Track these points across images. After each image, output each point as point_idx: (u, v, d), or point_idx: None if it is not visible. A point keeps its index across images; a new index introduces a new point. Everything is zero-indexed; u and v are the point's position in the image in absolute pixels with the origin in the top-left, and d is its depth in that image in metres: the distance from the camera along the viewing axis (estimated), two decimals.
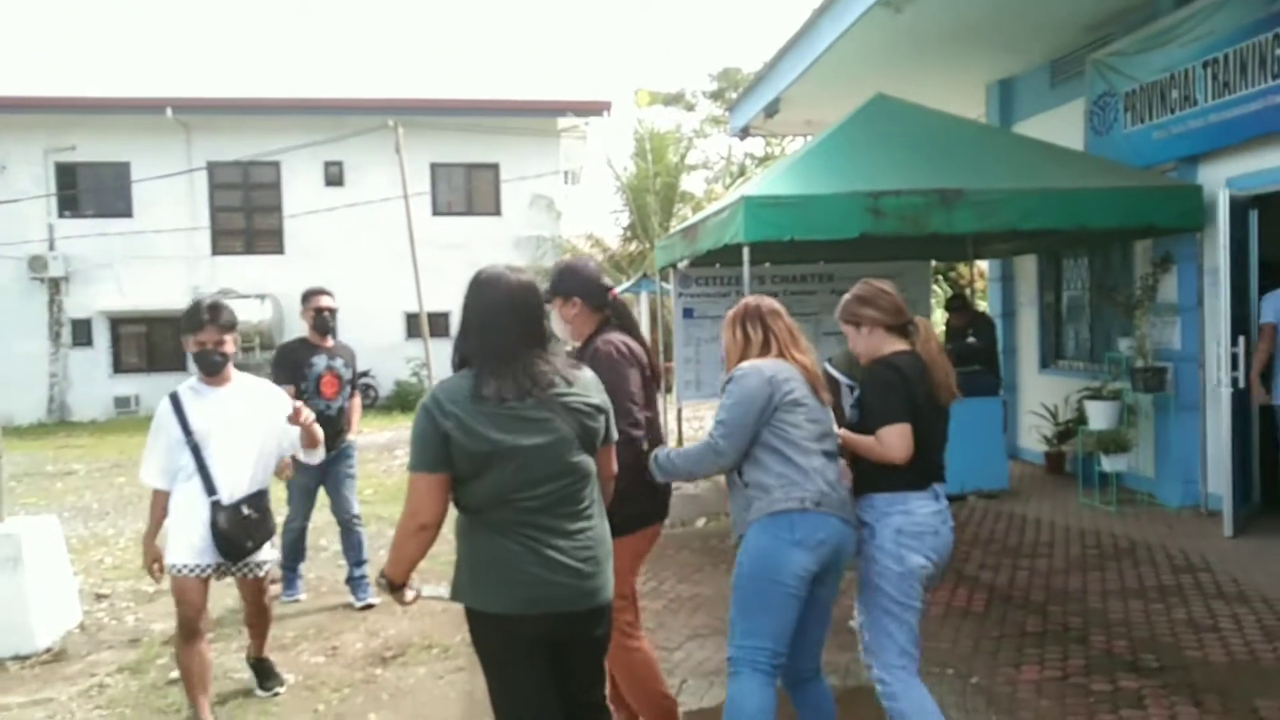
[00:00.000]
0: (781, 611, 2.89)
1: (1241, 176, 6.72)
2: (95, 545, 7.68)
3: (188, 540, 3.76)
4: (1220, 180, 6.82)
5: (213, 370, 3.85)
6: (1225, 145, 6.77)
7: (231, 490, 3.80)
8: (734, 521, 3.11)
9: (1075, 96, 8.63)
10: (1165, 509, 7.33)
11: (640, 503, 3.23)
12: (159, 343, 19.29)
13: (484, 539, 2.49)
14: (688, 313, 9.37)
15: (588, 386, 2.62)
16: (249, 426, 3.86)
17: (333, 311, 5.77)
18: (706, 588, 5.70)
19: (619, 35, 65.74)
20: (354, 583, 5.76)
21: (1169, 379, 7.37)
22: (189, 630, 3.79)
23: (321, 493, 5.77)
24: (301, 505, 5.77)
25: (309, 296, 5.77)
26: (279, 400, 3.97)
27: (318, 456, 4.13)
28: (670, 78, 44.46)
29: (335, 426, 5.58)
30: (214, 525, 3.73)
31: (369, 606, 5.62)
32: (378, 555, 6.83)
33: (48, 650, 5.04)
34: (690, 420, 12.46)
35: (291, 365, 5.61)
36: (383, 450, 12.76)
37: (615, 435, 2.75)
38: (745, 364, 3.06)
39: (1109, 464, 7.44)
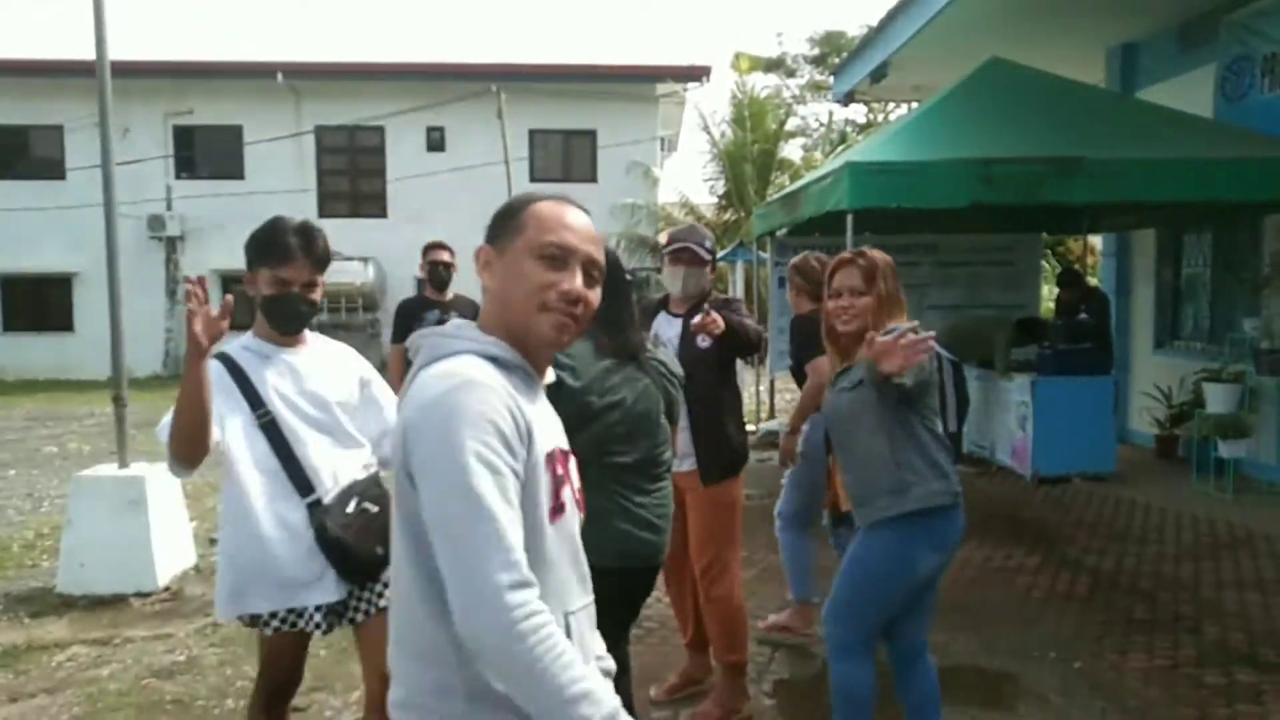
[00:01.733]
0: (897, 604, 2.88)
1: None
2: (208, 493, 8.03)
3: (275, 575, 2.51)
4: None
5: (294, 324, 2.59)
6: None
7: (333, 479, 2.56)
8: (853, 495, 2.94)
9: (1205, 62, 8.16)
10: None
11: (743, 443, 3.59)
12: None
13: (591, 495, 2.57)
14: (784, 282, 9.23)
15: (669, 357, 2.90)
16: (341, 399, 2.66)
17: (448, 265, 5.59)
18: None
19: (720, 1, 64.82)
20: None
21: None
22: (274, 698, 2.73)
23: None
24: None
25: (426, 250, 5.66)
26: (369, 374, 2.80)
27: None
28: (771, 42, 43.67)
29: None
30: (322, 536, 2.49)
31: None
32: None
33: (166, 589, 5.30)
34: (783, 392, 12.33)
35: (405, 321, 5.46)
36: None
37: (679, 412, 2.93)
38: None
39: (1227, 450, 7.09)
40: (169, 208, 19.51)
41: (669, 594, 3.89)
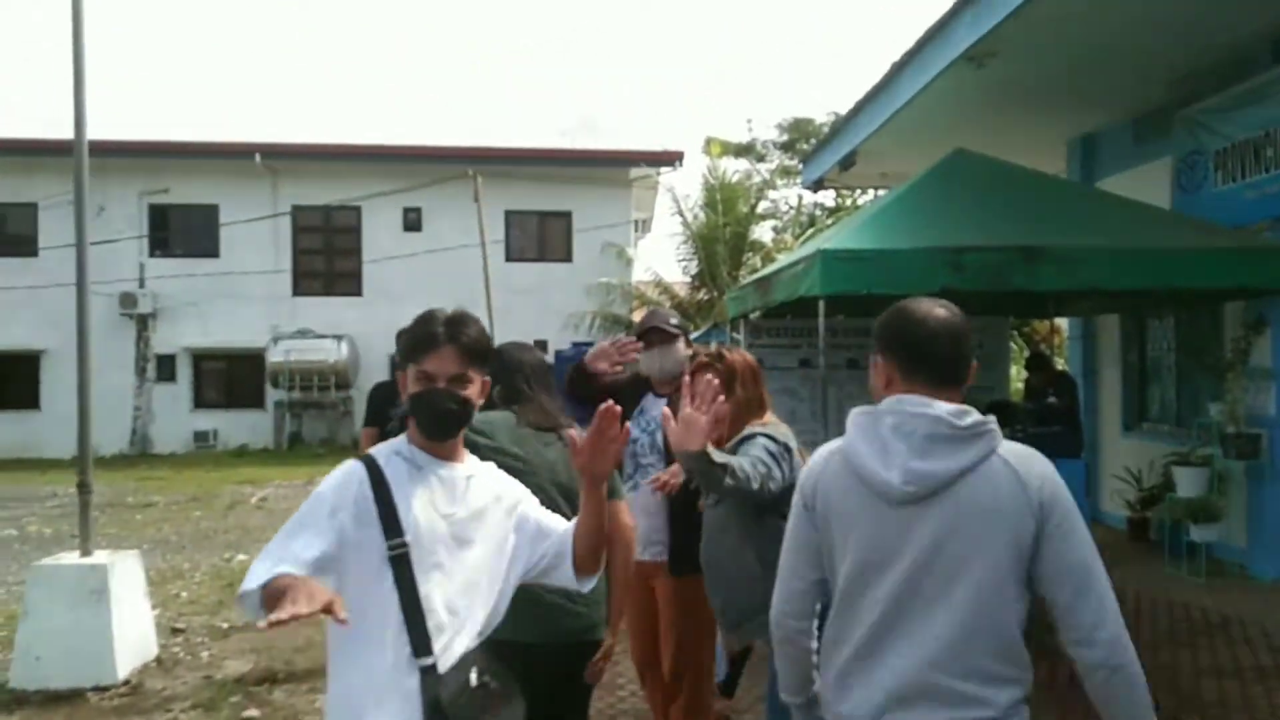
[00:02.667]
0: None
1: None
2: (172, 579, 7.85)
3: None
4: None
5: (441, 427, 2.13)
6: None
7: (451, 643, 2.05)
8: (726, 619, 3.02)
9: (1161, 154, 8.45)
10: (1259, 582, 7.00)
11: None
12: (239, 380, 19.89)
13: None
14: (759, 363, 9.30)
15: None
16: (486, 535, 2.15)
17: None
18: None
19: (691, 86, 66.63)
20: None
21: (1263, 446, 7.08)
22: None
23: None
24: None
25: (400, 334, 5.68)
26: (523, 498, 2.27)
27: (589, 584, 2.27)
28: (741, 128, 44.87)
29: None
30: (435, 713, 1.99)
31: None
32: None
33: (126, 682, 5.13)
34: None
35: (379, 405, 5.36)
36: None
37: (617, 494, 2.90)
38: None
39: (1198, 533, 7.14)
40: (141, 285, 19.45)
41: (644, 687, 3.82)
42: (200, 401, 19.91)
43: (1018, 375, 13.05)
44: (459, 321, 2.12)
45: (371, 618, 1.96)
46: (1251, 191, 7.17)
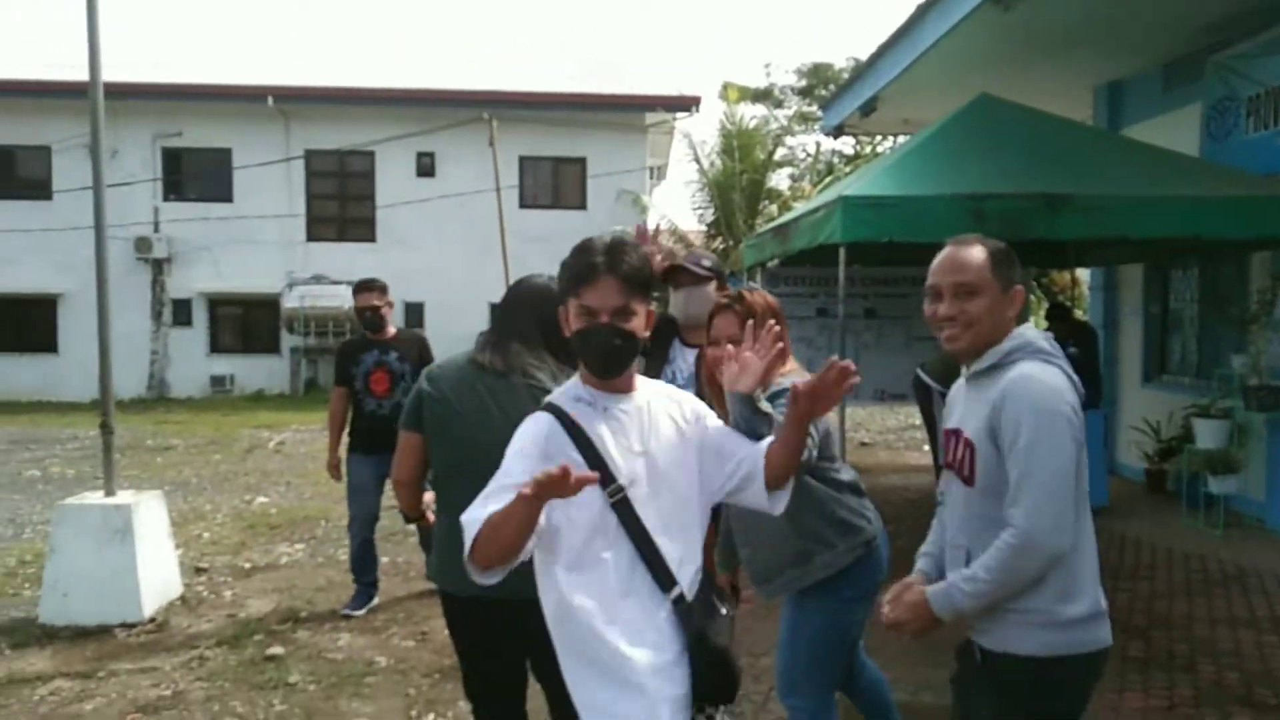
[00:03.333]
0: (847, 655, 2.95)
1: None
2: (194, 520, 7.95)
3: (639, 697, 1.96)
4: None
5: (611, 367, 2.02)
6: None
7: (686, 574, 2.04)
8: (753, 572, 2.96)
9: (1190, 101, 8.27)
10: (1276, 534, 6.99)
11: None
12: (254, 324, 19.96)
13: (442, 515, 2.69)
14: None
15: (550, 380, 2.64)
16: (679, 463, 2.08)
17: (375, 309, 5.32)
18: None
19: (709, 30, 65.53)
20: (358, 588, 5.42)
21: None
22: None
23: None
24: (362, 508, 5.36)
25: (356, 291, 5.44)
26: (700, 414, 2.17)
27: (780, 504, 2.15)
28: (759, 73, 44.21)
29: (389, 426, 5.00)
30: (701, 645, 2.02)
31: (346, 618, 5.24)
32: None
33: (152, 620, 5.22)
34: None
35: (341, 364, 5.37)
36: None
37: None
38: None
39: (1216, 485, 7.12)
40: (156, 230, 19.43)
41: None
42: (216, 346, 19.99)
43: (1038, 326, 12.96)
44: (618, 249, 1.98)
45: (605, 562, 1.95)
46: None
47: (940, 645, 3.20)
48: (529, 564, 2.55)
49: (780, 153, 22.51)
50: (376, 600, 5.45)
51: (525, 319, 2.70)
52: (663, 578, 1.98)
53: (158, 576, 5.48)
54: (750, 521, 2.82)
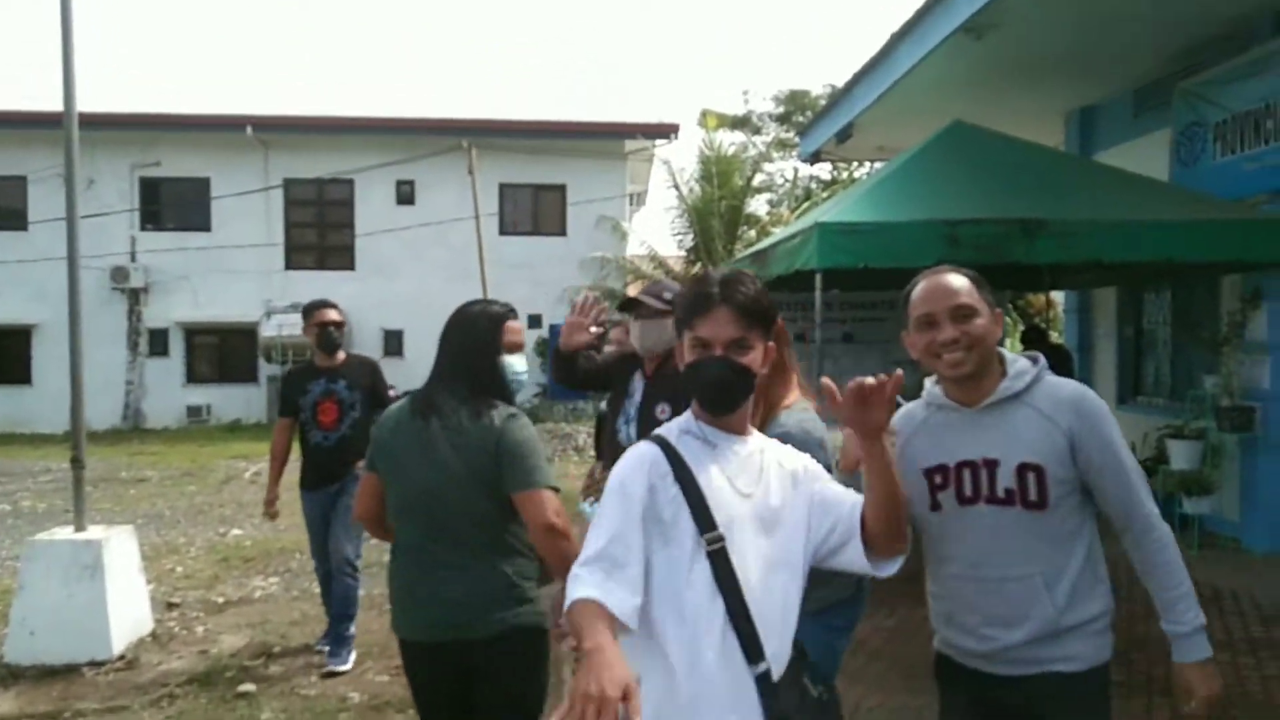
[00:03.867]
0: None
1: None
2: (167, 554, 7.84)
3: None
4: None
5: (720, 402, 1.89)
6: None
7: (779, 645, 1.83)
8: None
9: (1159, 126, 8.40)
10: (1251, 555, 7.03)
11: None
12: (231, 354, 19.80)
13: (394, 554, 2.71)
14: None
15: (491, 430, 2.58)
16: (788, 519, 1.90)
17: (339, 326, 5.06)
18: None
19: (687, 58, 66.15)
20: (333, 639, 4.96)
21: (1257, 419, 7.08)
22: None
23: None
24: (315, 542, 5.05)
25: (310, 311, 5.09)
26: (810, 465, 1.99)
27: (888, 567, 1.94)
28: (737, 100, 44.58)
29: (335, 459, 4.86)
30: None
31: (332, 674, 4.79)
32: None
33: (121, 658, 5.13)
34: None
35: (286, 393, 5.02)
36: None
37: (534, 483, 2.54)
38: None
39: (1191, 506, 7.16)
40: (133, 259, 19.31)
41: None
42: (193, 376, 19.83)
43: (1013, 349, 13.04)
44: (734, 280, 1.88)
45: (690, 612, 1.75)
46: (1251, 164, 7.13)
47: (916, 671, 3.19)
48: (474, 603, 2.55)
49: (759, 179, 22.70)
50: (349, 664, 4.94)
51: (449, 355, 2.72)
52: (750, 646, 1.75)
53: (128, 613, 5.38)
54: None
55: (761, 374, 1.89)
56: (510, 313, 2.81)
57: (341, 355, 5.09)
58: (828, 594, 2.64)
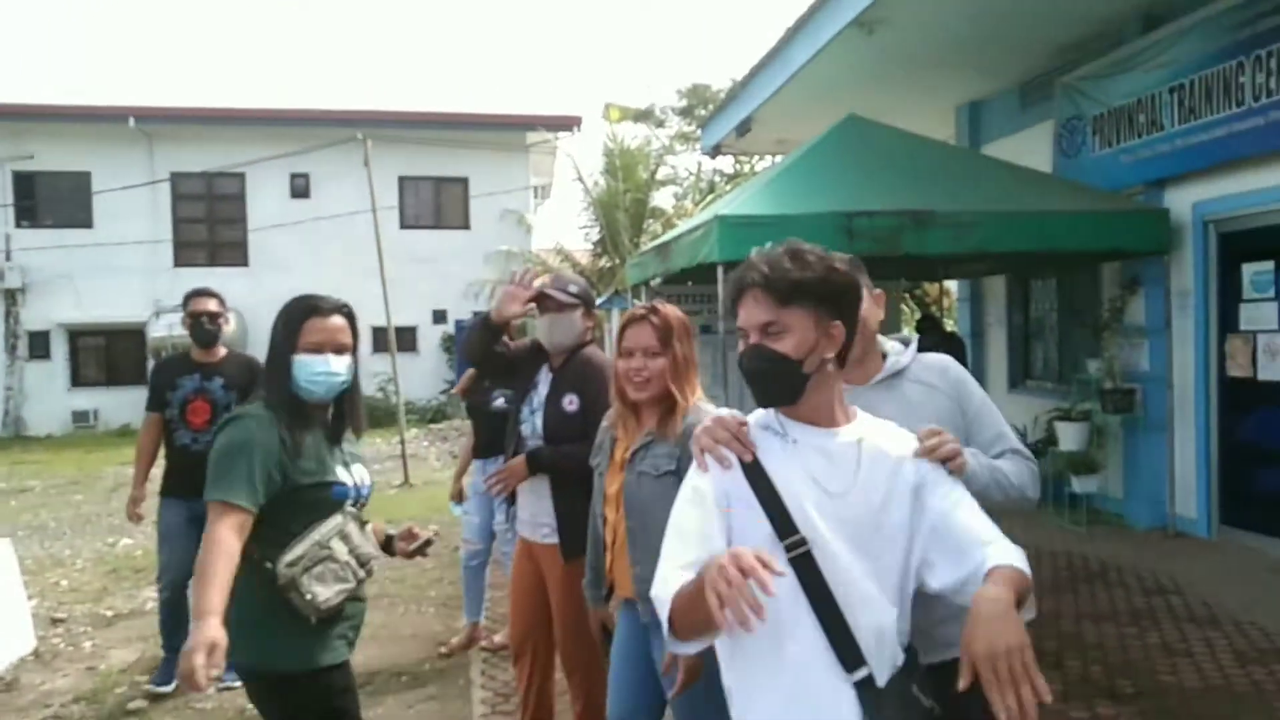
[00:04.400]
0: None
1: (1208, 201, 6.82)
2: (52, 567, 7.46)
3: None
4: (1187, 204, 6.92)
5: (765, 394, 1.73)
6: (1192, 170, 6.86)
7: (882, 651, 1.66)
8: (645, 590, 2.39)
9: (1044, 119, 8.72)
10: (1134, 529, 7.38)
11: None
12: (119, 356, 18.95)
13: None
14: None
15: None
16: (890, 518, 1.70)
17: (215, 317, 4.62)
18: None
19: (589, 50, 65.99)
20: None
21: (1137, 400, 7.44)
22: None
23: None
24: (172, 556, 4.46)
25: (188, 300, 4.67)
26: (924, 470, 1.75)
27: None
28: (640, 93, 44.65)
29: (203, 466, 4.58)
30: None
31: (228, 689, 4.40)
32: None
33: (0, 679, 4.86)
34: None
35: (156, 387, 4.57)
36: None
37: (210, 495, 2.41)
38: None
39: (1079, 485, 7.49)
40: (8, 258, 18.31)
41: (516, 666, 3.59)
42: (78, 380, 18.91)
43: (910, 335, 13.40)
44: (770, 258, 1.68)
45: (771, 619, 1.52)
46: (1126, 156, 7.47)
47: None
48: (313, 633, 2.41)
49: (663, 172, 22.80)
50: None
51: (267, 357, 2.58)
52: (847, 653, 1.61)
53: (7, 630, 5.10)
54: (647, 539, 2.41)
55: (823, 358, 1.67)
56: (317, 309, 2.55)
57: (221, 351, 4.69)
58: None
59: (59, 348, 18.75)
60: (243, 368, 4.69)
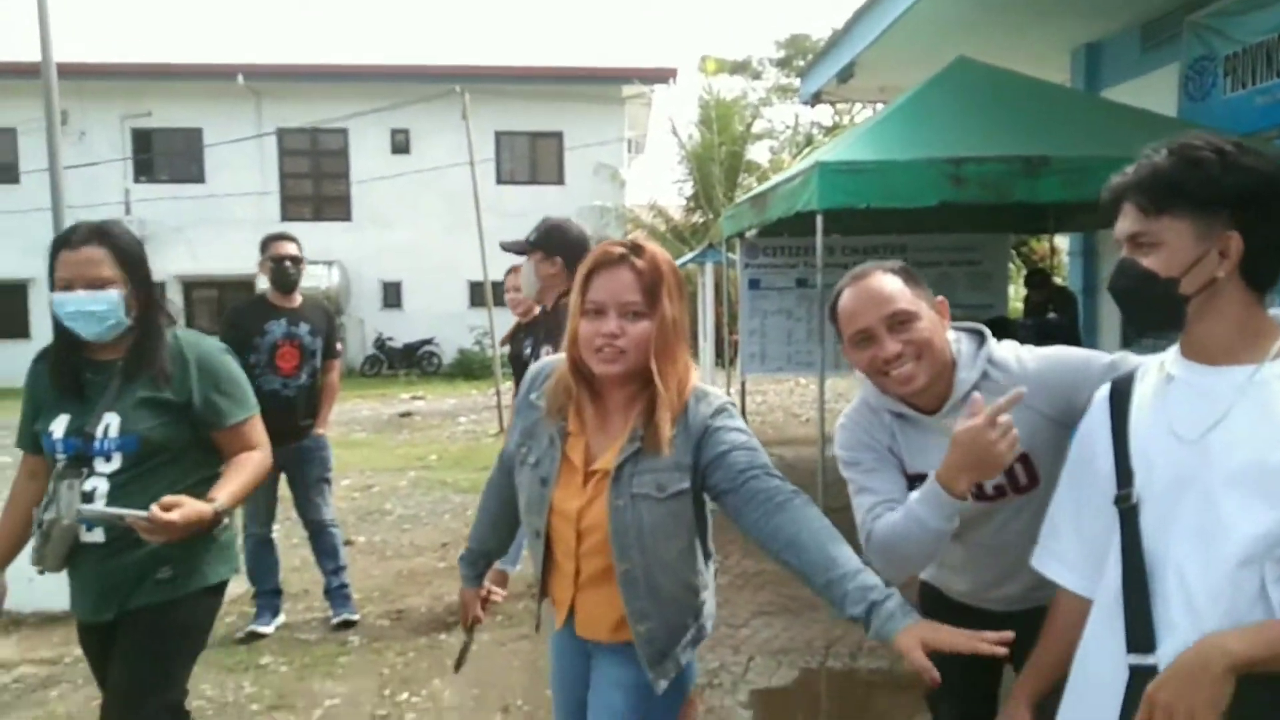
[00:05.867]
0: None
1: None
2: None
3: None
4: None
5: (1133, 313, 1.51)
6: None
7: (1190, 639, 1.31)
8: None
9: (1168, 61, 8.20)
10: None
11: None
12: (229, 307, 19.71)
13: None
14: (754, 284, 9.21)
15: None
16: (1261, 480, 1.32)
17: (297, 261, 4.56)
18: (770, 563, 5.59)
19: (686, 1, 65.07)
20: (331, 595, 4.75)
21: None
22: None
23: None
24: (258, 507, 4.51)
25: (267, 244, 4.58)
26: None
27: None
28: (737, 45, 43.89)
29: (295, 411, 4.44)
30: None
31: (347, 624, 4.65)
32: (445, 522, 6.87)
33: None
34: (753, 394, 12.29)
35: (239, 332, 4.32)
36: (445, 417, 12.85)
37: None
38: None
39: None
40: (128, 211, 19.14)
41: None
42: (194, 329, 19.75)
43: (1016, 295, 12.95)
44: (1154, 155, 1.47)
45: (1102, 584, 1.46)
46: (1262, 97, 6.97)
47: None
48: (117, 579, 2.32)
49: (759, 125, 22.43)
50: (283, 618, 4.74)
51: None
52: (1140, 633, 1.36)
53: None
54: (665, 573, 1.90)
55: (1212, 276, 1.37)
56: (67, 242, 2.33)
57: (298, 297, 4.59)
58: (707, 617, 2.08)
59: (174, 298, 19.60)
60: (323, 314, 4.70)
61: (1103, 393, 1.58)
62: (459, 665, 2.38)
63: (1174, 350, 1.48)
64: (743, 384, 9.89)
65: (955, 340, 1.92)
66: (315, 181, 20.24)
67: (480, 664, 4.19)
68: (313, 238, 19.18)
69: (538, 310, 3.54)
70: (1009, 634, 1.44)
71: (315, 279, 18.26)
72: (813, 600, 2.27)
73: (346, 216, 19.84)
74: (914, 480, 1.92)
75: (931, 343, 1.83)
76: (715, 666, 4.08)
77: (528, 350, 3.54)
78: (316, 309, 4.71)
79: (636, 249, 1.85)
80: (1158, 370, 1.49)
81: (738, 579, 5.30)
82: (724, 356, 10.99)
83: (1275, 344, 1.38)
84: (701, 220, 19.90)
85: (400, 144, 19.78)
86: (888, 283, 1.85)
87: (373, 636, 4.58)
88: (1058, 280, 10.61)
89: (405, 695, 3.91)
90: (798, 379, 13.65)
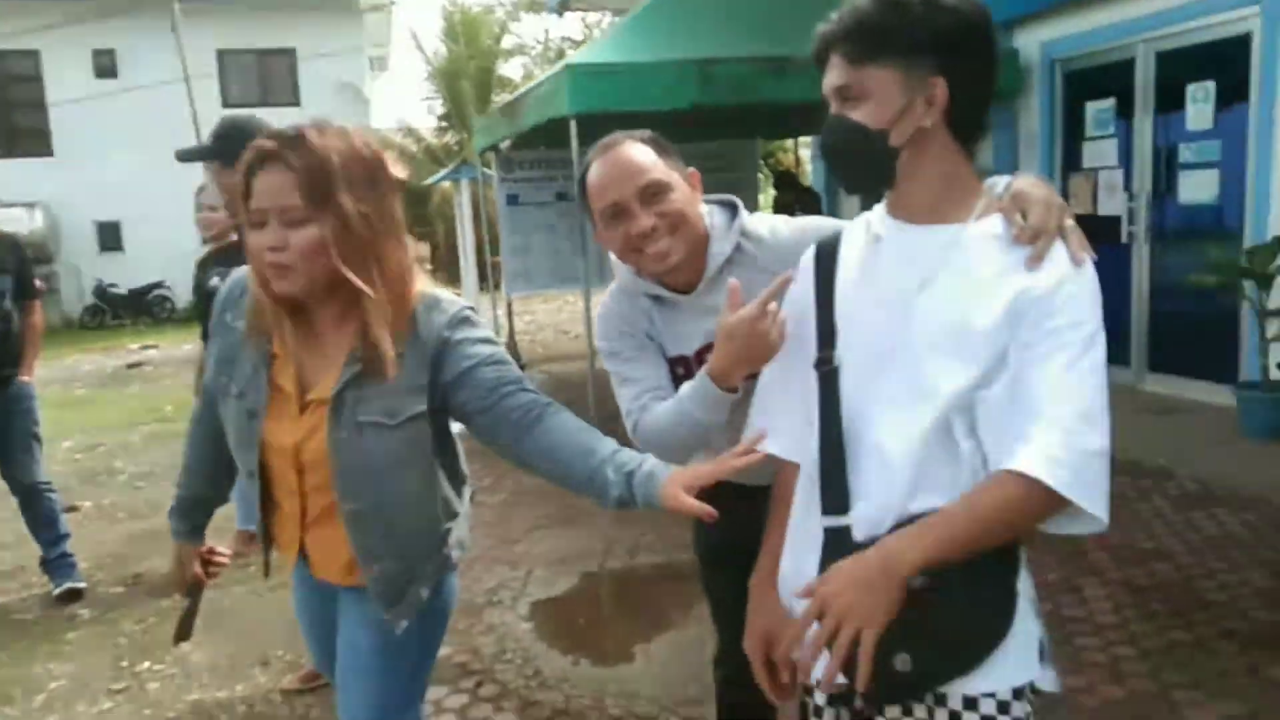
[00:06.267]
0: None
1: (1056, 40, 6.83)
2: None
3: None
4: (1036, 45, 6.93)
5: (841, 170, 1.47)
6: (1041, 9, 6.83)
7: (888, 502, 1.30)
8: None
9: None
10: None
11: None
12: None
13: None
14: (512, 199, 8.92)
15: None
16: (966, 344, 1.29)
17: None
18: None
19: None
20: (50, 565, 4.19)
21: None
22: None
23: None
24: None
25: None
26: (1032, 287, 1.34)
27: None
28: None
29: None
30: None
31: (73, 594, 4.12)
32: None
33: None
34: (521, 314, 12.08)
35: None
36: (182, 365, 11.74)
37: None
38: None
39: None
40: None
41: None
42: None
43: (766, 204, 13.40)
44: (860, 2, 1.34)
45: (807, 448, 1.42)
46: None
47: None
48: None
49: (510, 41, 21.77)
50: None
51: None
52: (831, 492, 1.34)
53: None
54: (399, 510, 1.70)
55: (918, 126, 1.31)
56: None
57: None
58: (454, 549, 1.89)
59: None
60: (10, 249, 4.09)
61: (809, 255, 1.52)
62: (181, 636, 2.00)
63: (880, 209, 1.43)
64: (509, 305, 9.66)
65: (708, 214, 1.81)
66: (5, 112, 17.68)
67: (235, 618, 3.82)
68: (8, 177, 16.94)
69: (235, 236, 3.06)
70: (757, 455, 1.44)
71: (15, 223, 16.06)
72: (591, 507, 2.12)
73: (47, 151, 17.49)
74: (674, 364, 1.84)
75: (686, 215, 1.72)
76: (494, 585, 3.94)
77: (214, 282, 2.92)
78: (3, 244, 4.07)
79: (293, 140, 1.54)
80: (865, 230, 1.44)
81: (513, 495, 5.14)
82: (489, 279, 10.67)
83: (980, 202, 1.35)
84: (455, 140, 19.18)
85: (105, 66, 17.56)
86: (638, 152, 1.72)
87: (105, 606, 4.06)
88: (804, 183, 11.04)
89: (146, 664, 3.48)
90: (565, 297, 13.53)
